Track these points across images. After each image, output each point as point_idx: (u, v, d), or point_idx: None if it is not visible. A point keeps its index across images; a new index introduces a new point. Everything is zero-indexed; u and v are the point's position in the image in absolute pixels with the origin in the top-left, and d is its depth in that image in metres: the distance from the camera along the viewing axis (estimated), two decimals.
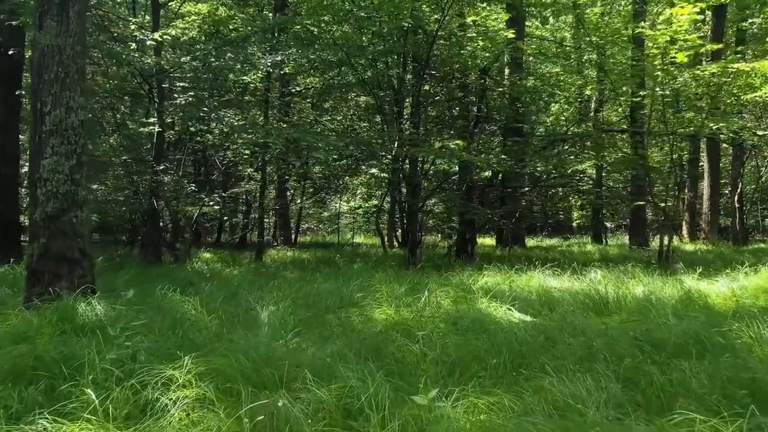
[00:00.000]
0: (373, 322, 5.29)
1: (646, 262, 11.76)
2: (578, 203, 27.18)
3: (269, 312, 5.80)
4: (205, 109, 11.97)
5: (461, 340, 4.50)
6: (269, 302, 6.33)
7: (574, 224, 30.65)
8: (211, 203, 13.54)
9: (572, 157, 13.03)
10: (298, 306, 6.11)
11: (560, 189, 16.90)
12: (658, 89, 10.13)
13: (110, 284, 8.51)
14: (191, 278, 8.71)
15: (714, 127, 10.57)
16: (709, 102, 10.98)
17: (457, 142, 9.32)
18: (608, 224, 26.42)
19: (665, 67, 10.13)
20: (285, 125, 12.42)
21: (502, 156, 10.36)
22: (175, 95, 11.54)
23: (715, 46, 10.48)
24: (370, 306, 5.82)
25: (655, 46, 10.15)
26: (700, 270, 9.48)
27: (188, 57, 12.07)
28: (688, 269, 10.90)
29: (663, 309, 6.26)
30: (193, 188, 13.60)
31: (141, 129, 14.90)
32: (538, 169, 12.01)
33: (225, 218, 15.91)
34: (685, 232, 23.05)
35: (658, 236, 12.46)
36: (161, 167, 13.42)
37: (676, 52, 9.97)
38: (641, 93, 10.52)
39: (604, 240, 23.97)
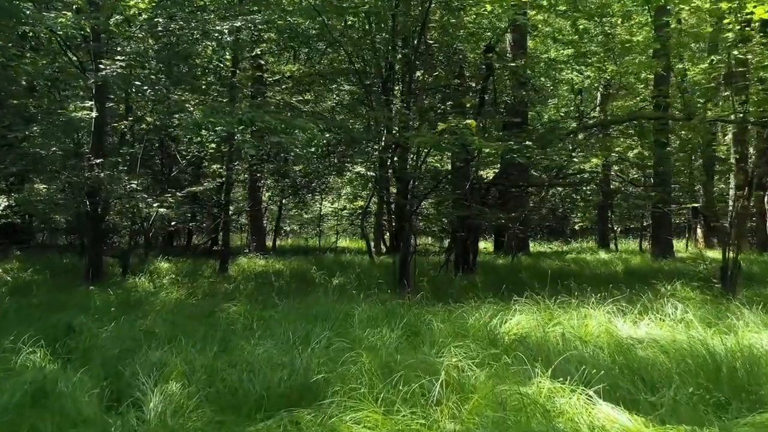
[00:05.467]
0: None
1: (702, 279, 9.24)
2: (582, 204, 24.66)
3: (156, 401, 3.19)
4: (138, 82, 9.28)
5: None
6: (171, 375, 3.71)
7: (577, 227, 28.13)
8: (155, 204, 10.85)
9: (617, 145, 10.51)
10: (211, 395, 3.46)
11: (582, 186, 14.48)
12: (735, 52, 7.59)
13: None
14: (91, 314, 6.01)
15: None
16: None
17: (468, 122, 6.82)
18: (617, 227, 23.90)
19: (740, 26, 7.65)
20: (242, 106, 9.82)
21: (527, 143, 7.83)
22: (101, 66, 8.88)
23: None
24: (338, 402, 3.11)
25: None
26: None
27: (120, 17, 9.34)
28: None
29: None
30: (134, 185, 10.92)
31: (74, 114, 12.24)
32: (574, 160, 9.46)
33: (174, 223, 13.32)
34: (699, 236, 20.58)
35: (712, 246, 10.12)
36: (98, 161, 10.81)
37: (754, 6, 7.51)
38: (714, 57, 7.98)
39: (615, 245, 21.53)
